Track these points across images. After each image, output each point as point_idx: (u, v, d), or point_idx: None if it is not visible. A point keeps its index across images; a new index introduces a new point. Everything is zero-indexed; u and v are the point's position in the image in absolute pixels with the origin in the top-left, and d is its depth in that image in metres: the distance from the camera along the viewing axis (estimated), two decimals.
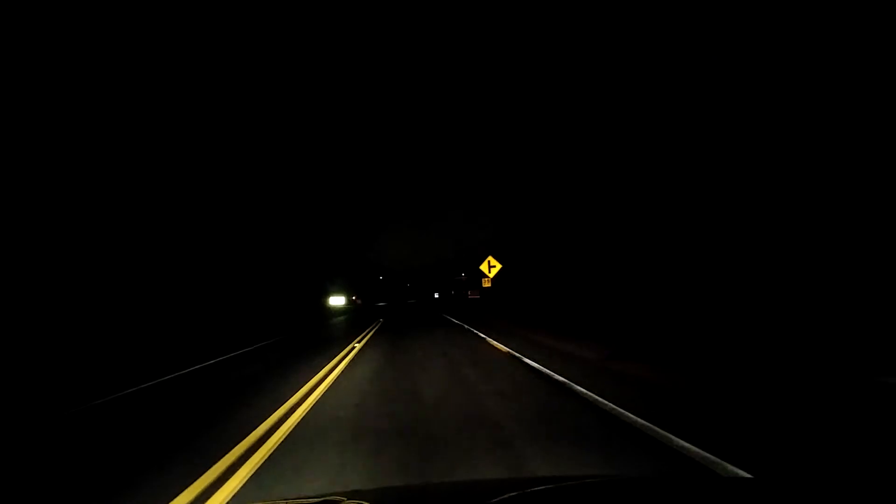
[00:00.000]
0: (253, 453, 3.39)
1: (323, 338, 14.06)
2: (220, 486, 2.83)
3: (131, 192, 18.24)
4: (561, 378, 5.59)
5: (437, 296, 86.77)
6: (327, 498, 1.31)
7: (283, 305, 33.72)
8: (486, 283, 19.49)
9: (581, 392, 4.82)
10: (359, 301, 66.10)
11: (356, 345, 10.68)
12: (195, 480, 2.90)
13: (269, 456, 3.33)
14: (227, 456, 3.34)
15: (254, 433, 3.87)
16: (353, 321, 23.39)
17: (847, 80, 9.26)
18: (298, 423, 4.16)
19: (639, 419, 3.69)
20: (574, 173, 22.94)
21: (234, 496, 2.69)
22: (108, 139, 17.65)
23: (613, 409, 4.09)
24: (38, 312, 12.53)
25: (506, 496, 1.07)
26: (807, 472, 2.56)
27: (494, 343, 9.64)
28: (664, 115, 15.06)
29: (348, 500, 1.23)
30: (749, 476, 2.48)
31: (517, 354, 7.81)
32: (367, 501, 1.33)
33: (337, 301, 46.57)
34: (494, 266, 19.07)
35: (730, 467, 2.64)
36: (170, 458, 3.46)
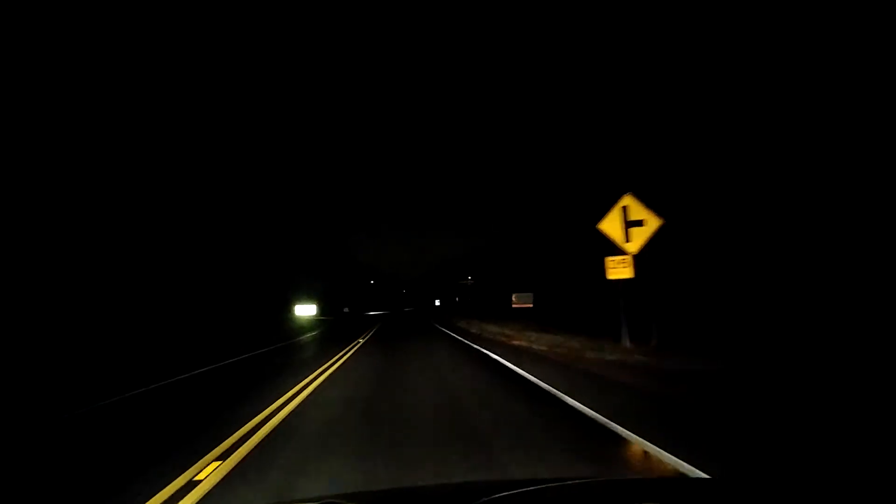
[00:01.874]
0: None
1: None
2: None
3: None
4: None
5: (438, 303, 76.98)
6: (324, 500, 1.27)
7: (220, 316, 22.31)
8: (617, 272, 7.28)
9: None
10: (346, 309, 58.46)
11: None
12: None
13: None
14: None
15: None
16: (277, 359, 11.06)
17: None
18: None
19: None
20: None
21: None
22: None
23: None
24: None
25: (494, 497, 1.07)
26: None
27: None
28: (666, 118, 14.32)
29: (346, 502, 1.23)
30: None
31: None
32: None
33: (306, 311, 34.35)
34: (641, 222, 7.02)
35: None
36: None
